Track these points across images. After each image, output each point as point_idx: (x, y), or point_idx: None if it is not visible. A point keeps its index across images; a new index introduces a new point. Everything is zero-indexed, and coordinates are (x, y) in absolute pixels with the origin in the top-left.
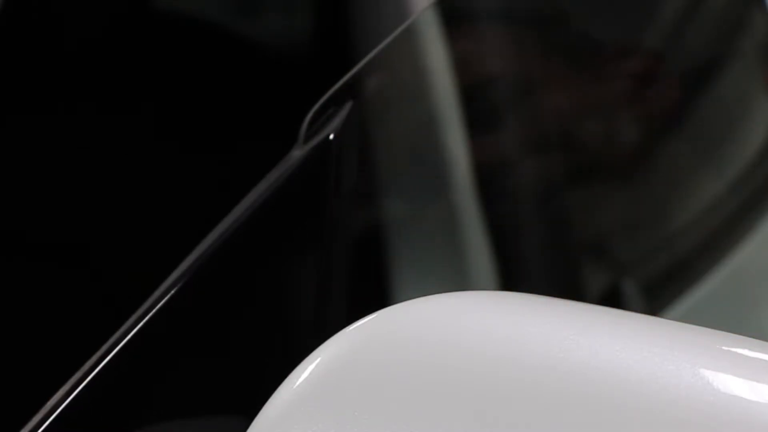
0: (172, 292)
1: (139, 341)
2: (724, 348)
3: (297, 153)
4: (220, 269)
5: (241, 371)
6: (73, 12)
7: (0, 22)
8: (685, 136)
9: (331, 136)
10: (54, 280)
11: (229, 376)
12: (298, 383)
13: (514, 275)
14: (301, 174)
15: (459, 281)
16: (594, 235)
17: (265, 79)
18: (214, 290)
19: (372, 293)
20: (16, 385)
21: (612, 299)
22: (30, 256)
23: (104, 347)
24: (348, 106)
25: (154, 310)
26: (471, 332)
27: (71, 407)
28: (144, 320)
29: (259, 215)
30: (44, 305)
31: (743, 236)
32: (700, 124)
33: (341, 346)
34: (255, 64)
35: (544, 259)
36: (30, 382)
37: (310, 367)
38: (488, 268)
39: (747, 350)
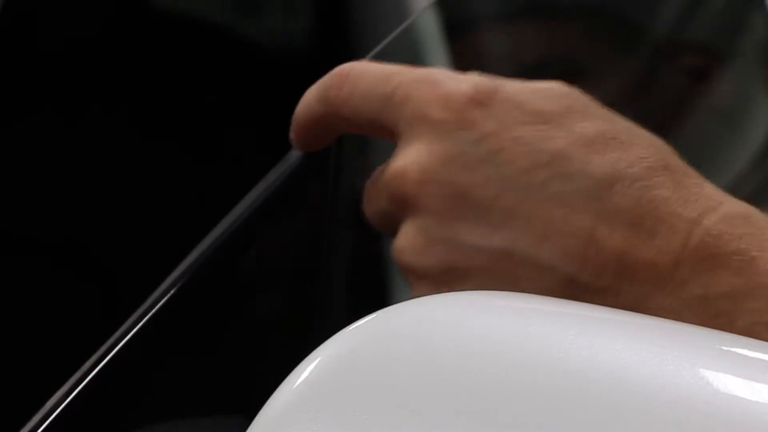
0: (172, 292)
1: (138, 341)
2: (724, 348)
3: (296, 152)
4: (219, 269)
5: (240, 371)
6: (73, 12)
7: (1, 21)
8: (684, 136)
9: None
10: (54, 280)
11: (229, 376)
12: (298, 383)
13: None
14: (301, 173)
15: None
16: None
17: (265, 78)
18: (213, 290)
19: (372, 293)
20: (16, 385)
21: None
22: (29, 256)
23: (104, 347)
24: None
25: (153, 310)
26: (471, 332)
27: (71, 407)
28: (143, 320)
29: (259, 215)
30: (44, 305)
31: None
32: (699, 124)
33: (341, 346)
34: (255, 64)
35: None
36: (29, 381)
37: (310, 367)
38: None
39: (747, 350)
